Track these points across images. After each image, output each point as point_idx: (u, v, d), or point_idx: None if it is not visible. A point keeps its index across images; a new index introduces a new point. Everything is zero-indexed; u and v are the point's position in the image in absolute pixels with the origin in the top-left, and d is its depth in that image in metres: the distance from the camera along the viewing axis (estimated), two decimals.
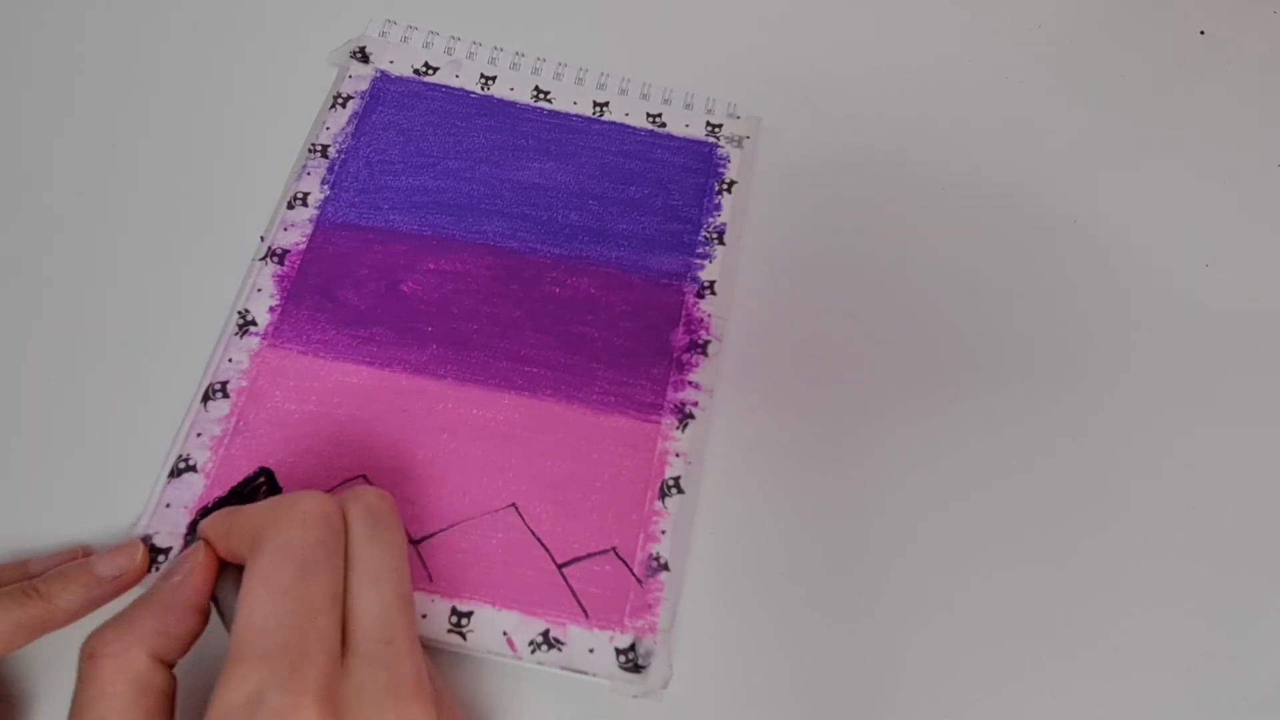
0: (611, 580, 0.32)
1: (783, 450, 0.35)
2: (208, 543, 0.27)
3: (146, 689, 0.23)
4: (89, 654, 0.24)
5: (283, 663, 0.22)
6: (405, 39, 0.43)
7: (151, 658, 0.24)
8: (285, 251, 0.37)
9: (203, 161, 0.39)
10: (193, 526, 0.31)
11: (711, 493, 0.34)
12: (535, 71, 0.42)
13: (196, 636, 0.26)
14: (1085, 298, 0.40)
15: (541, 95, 0.42)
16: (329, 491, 0.32)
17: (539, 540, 0.32)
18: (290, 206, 0.38)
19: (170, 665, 0.25)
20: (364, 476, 0.33)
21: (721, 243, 0.39)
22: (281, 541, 0.24)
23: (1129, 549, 0.35)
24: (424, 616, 0.31)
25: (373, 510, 0.26)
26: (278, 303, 0.36)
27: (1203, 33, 0.49)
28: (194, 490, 0.32)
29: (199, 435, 0.33)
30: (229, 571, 0.27)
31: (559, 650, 0.31)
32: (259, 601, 0.23)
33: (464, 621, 0.31)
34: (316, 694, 0.22)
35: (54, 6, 0.42)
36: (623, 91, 0.42)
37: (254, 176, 0.38)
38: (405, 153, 0.40)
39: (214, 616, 0.27)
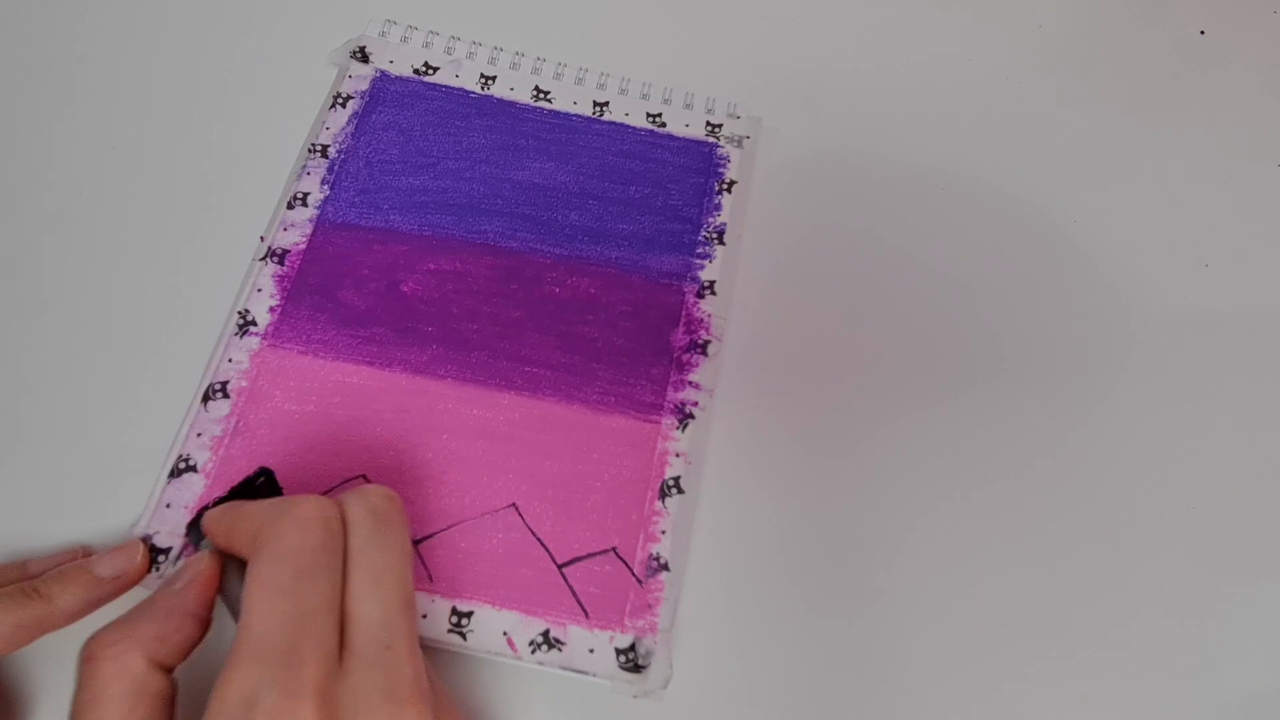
0: (611, 580, 0.32)
1: (783, 450, 0.35)
2: (212, 539, 0.27)
3: (143, 692, 0.24)
4: (87, 656, 0.24)
5: (279, 664, 0.22)
6: (405, 39, 0.43)
7: (149, 662, 0.24)
8: (285, 251, 0.37)
9: (202, 161, 0.39)
10: (192, 525, 0.31)
11: (711, 493, 0.34)
12: (535, 71, 0.42)
13: (195, 644, 0.26)
14: (1084, 297, 0.40)
15: (541, 95, 0.42)
16: (329, 493, 0.32)
17: (539, 540, 0.32)
18: (290, 206, 0.38)
19: (169, 670, 0.25)
20: (364, 477, 0.33)
21: (721, 243, 0.39)
22: (280, 547, 0.25)
23: (1129, 549, 0.35)
24: (424, 617, 0.31)
25: (377, 511, 0.26)
26: (278, 303, 0.36)
27: (1203, 33, 0.49)
28: (194, 490, 0.32)
29: (199, 435, 0.33)
30: (234, 565, 0.27)
31: (559, 650, 0.31)
32: (257, 603, 0.24)
33: (464, 621, 0.31)
34: (313, 696, 0.22)
35: (53, 6, 0.42)
36: (623, 91, 0.42)
37: (254, 176, 0.38)
38: (405, 153, 0.40)
39: (215, 622, 0.27)
